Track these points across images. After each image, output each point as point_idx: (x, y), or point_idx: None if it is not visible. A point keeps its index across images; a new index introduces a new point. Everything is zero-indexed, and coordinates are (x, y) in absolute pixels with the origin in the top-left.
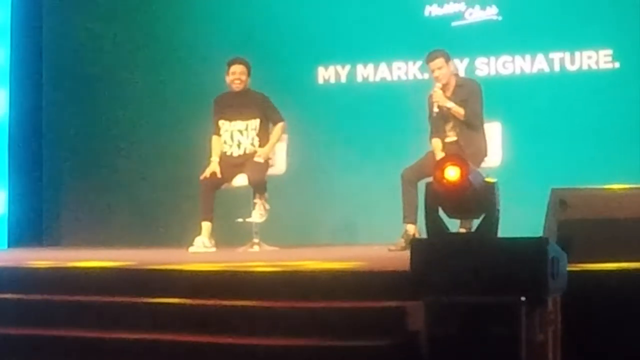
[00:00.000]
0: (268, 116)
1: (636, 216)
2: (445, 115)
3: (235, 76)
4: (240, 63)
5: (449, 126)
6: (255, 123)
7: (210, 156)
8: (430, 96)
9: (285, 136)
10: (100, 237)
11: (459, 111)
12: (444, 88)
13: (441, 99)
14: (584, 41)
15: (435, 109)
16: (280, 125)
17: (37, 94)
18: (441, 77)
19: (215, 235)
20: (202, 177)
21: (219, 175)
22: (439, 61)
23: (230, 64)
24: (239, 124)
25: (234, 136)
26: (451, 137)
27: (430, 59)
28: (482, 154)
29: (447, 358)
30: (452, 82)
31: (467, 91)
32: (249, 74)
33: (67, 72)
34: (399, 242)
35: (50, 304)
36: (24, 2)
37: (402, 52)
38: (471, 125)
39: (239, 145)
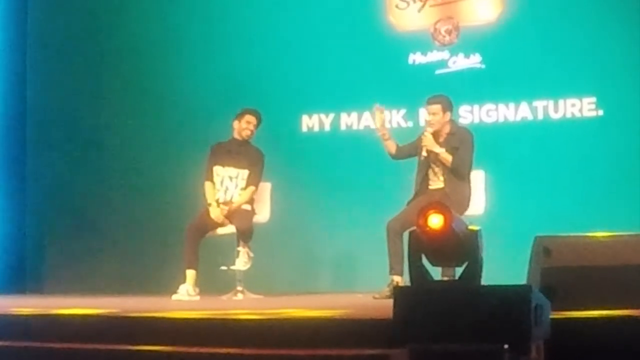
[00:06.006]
0: (251, 173)
1: (619, 264)
2: (432, 161)
3: (250, 127)
4: (256, 116)
5: (435, 172)
6: (246, 174)
7: (207, 202)
8: (420, 140)
9: (268, 184)
10: (84, 284)
11: (447, 158)
12: (436, 134)
13: (430, 144)
14: (567, 89)
15: (424, 153)
16: (251, 189)
17: (21, 140)
18: (434, 123)
19: (199, 283)
20: (212, 216)
21: (221, 220)
22: (436, 107)
23: (246, 113)
24: (232, 171)
25: (224, 182)
26: (437, 184)
27: (429, 102)
28: (467, 202)
29: None
30: (446, 129)
31: (458, 139)
32: (257, 128)
33: (52, 119)
34: (384, 290)
35: (33, 351)
36: (7, 55)
37: (386, 100)
38: (458, 174)
39: (225, 192)
